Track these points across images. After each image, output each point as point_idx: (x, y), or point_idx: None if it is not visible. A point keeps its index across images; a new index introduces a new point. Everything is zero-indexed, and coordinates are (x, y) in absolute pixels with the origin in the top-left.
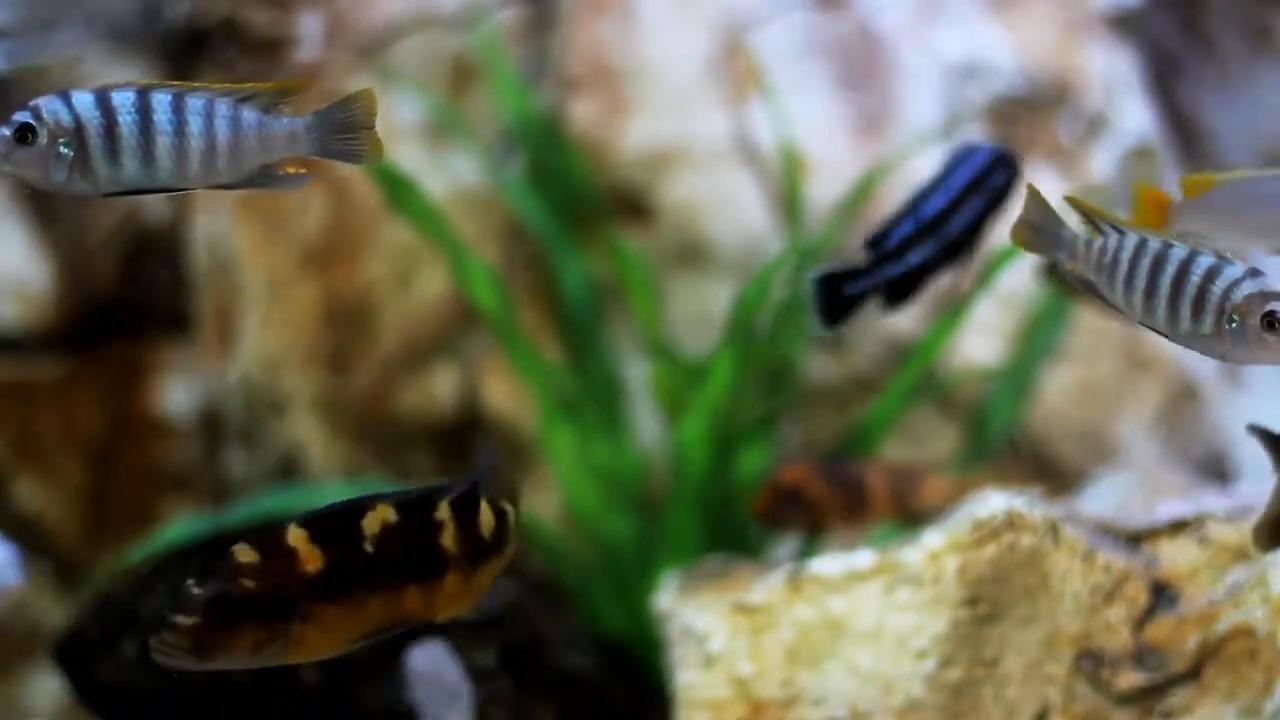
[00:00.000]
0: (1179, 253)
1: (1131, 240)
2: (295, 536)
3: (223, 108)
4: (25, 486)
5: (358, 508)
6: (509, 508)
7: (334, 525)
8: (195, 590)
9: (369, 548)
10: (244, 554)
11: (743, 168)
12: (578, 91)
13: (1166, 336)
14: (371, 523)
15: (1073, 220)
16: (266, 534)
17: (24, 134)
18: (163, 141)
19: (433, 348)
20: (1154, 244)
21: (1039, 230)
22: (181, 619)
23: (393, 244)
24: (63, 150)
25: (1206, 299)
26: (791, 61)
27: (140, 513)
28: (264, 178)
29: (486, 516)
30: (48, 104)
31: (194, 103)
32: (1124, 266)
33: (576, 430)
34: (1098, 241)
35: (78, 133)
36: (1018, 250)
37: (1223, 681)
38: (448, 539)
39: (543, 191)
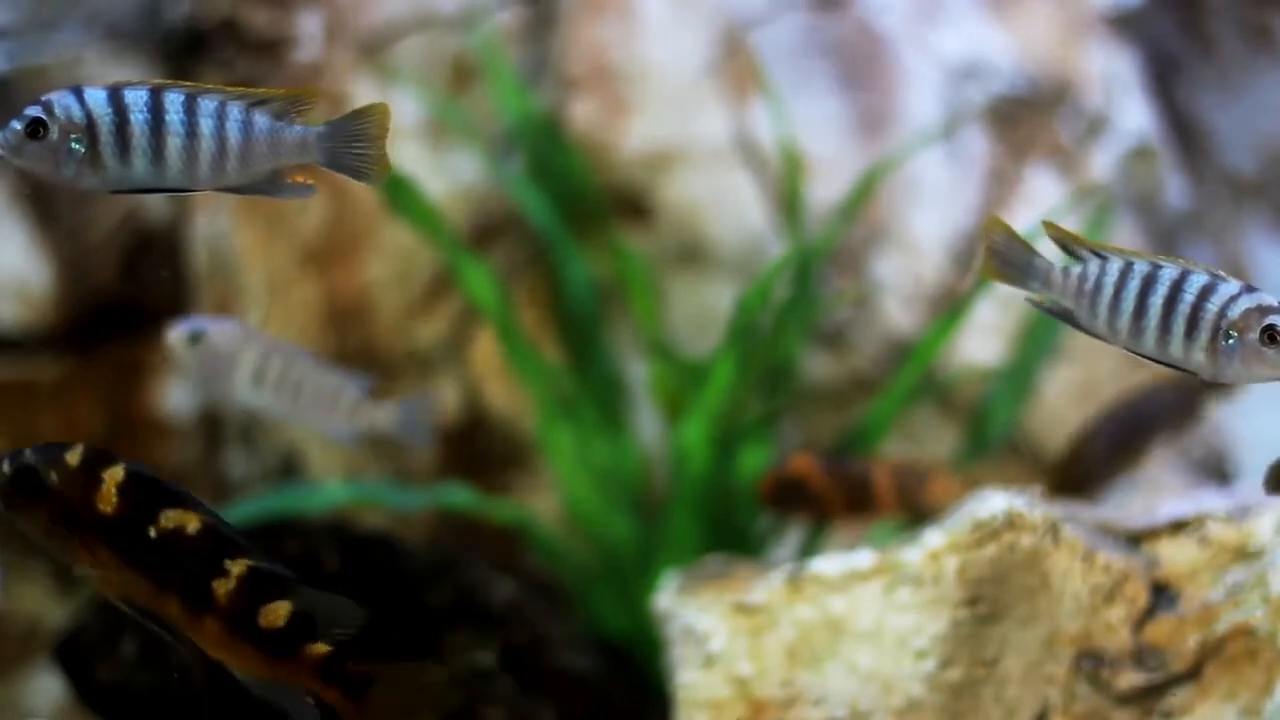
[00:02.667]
0: (1170, 272)
1: (1115, 264)
2: (110, 474)
3: (235, 111)
4: None
5: (176, 496)
6: (337, 662)
7: (146, 492)
8: (27, 452)
9: (151, 532)
10: (72, 455)
11: (743, 168)
12: (578, 91)
13: (1155, 360)
14: (170, 518)
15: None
16: (103, 454)
17: (35, 128)
18: (174, 142)
19: (433, 348)
20: (1141, 266)
21: (1008, 261)
22: (4, 466)
23: (393, 244)
24: (74, 146)
25: (1201, 317)
26: (791, 61)
27: None
28: (271, 185)
29: (278, 615)
30: (60, 99)
31: (206, 104)
32: (1109, 291)
33: (576, 430)
34: (1077, 268)
35: (89, 129)
36: None
37: (1223, 681)
38: (221, 587)
39: (543, 192)
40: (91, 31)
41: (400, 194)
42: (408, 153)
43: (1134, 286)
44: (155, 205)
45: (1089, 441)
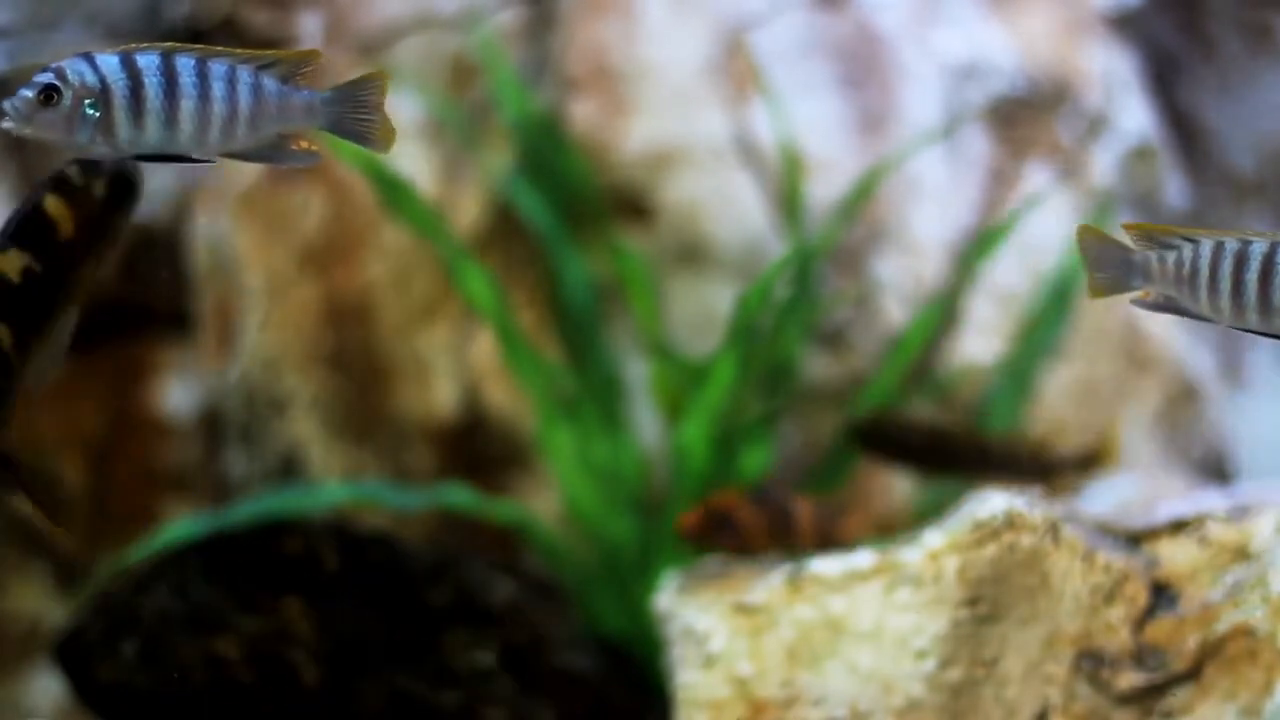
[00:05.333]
0: (1259, 247)
1: (1207, 246)
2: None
3: (245, 75)
4: None
5: (21, 241)
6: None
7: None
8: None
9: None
10: (84, 178)
11: (743, 168)
12: (578, 91)
13: (1264, 334)
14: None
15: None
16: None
17: (48, 95)
18: (187, 106)
19: (433, 348)
20: (1231, 243)
21: (1109, 267)
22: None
23: (393, 244)
24: (88, 112)
25: None
26: (791, 61)
27: (140, 513)
28: (276, 150)
29: None
30: (73, 65)
31: (217, 68)
32: (1204, 273)
33: (576, 430)
34: (1172, 256)
35: (103, 94)
36: (997, 238)
37: (1223, 681)
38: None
39: (543, 192)
40: (91, 31)
41: (399, 195)
42: (407, 153)
43: (1227, 266)
44: (155, 205)
45: (957, 433)
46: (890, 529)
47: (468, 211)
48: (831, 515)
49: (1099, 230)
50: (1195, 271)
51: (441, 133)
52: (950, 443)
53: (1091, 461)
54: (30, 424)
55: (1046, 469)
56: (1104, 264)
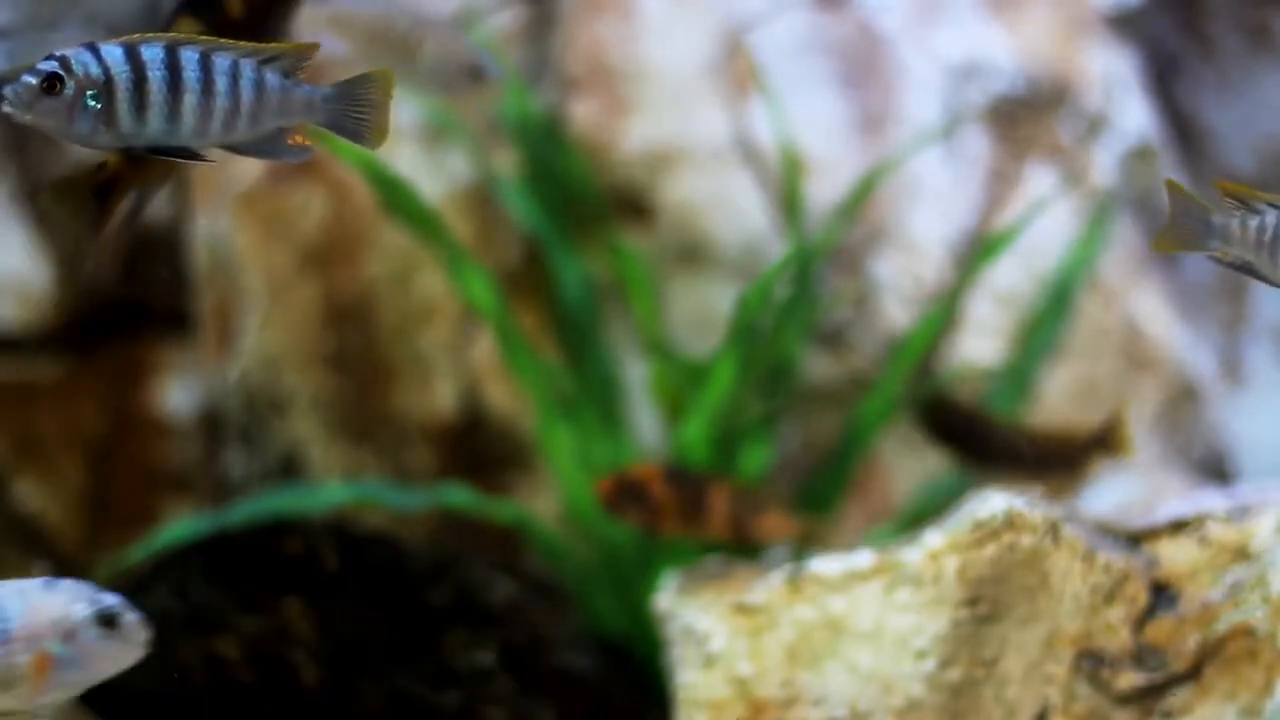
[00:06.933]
0: None
1: None
2: None
3: (247, 69)
4: (25, 486)
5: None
6: None
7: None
8: None
9: None
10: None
11: (743, 168)
12: (578, 91)
13: None
14: None
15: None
16: None
17: (51, 83)
18: (189, 99)
19: (433, 348)
20: None
21: (1188, 226)
22: None
23: (393, 244)
24: (90, 103)
25: None
26: (791, 61)
27: (140, 513)
28: (272, 146)
29: None
30: (77, 55)
31: (221, 62)
32: None
33: (576, 430)
34: (1254, 220)
35: (106, 85)
36: (1002, 243)
37: (1223, 681)
38: None
39: (542, 192)
40: (91, 31)
41: (398, 196)
42: (406, 154)
43: None
44: (155, 205)
45: (999, 427)
46: (815, 536)
47: (466, 212)
48: (750, 509)
49: (1186, 190)
50: (1276, 238)
51: (440, 134)
52: (997, 434)
53: (1104, 443)
54: (32, 422)
55: (1071, 459)
56: (1185, 220)
